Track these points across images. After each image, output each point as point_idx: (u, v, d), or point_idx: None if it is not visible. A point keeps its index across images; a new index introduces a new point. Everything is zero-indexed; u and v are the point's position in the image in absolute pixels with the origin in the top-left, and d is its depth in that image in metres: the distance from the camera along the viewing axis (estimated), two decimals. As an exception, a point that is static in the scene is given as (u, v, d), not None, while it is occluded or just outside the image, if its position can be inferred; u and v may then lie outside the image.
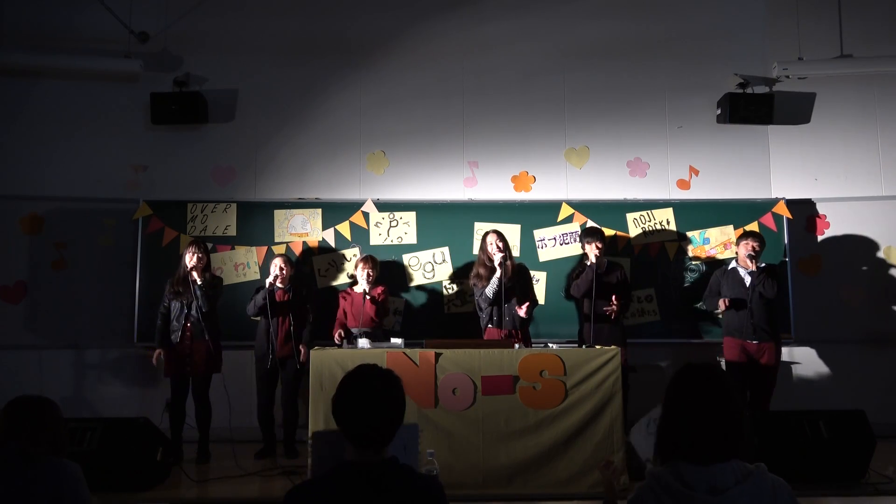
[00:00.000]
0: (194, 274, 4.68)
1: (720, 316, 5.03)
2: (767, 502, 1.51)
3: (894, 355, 5.53)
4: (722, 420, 1.56)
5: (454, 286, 5.44)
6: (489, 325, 4.78)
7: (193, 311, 4.70)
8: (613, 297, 4.76)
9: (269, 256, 5.30)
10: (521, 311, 4.63)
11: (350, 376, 1.76)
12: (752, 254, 4.77)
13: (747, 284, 4.79)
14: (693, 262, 5.50)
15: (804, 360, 5.55)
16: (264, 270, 5.24)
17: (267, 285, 4.77)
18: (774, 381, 4.79)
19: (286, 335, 4.84)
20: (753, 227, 5.51)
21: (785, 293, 5.43)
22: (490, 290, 4.69)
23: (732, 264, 4.96)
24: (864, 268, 5.61)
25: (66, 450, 2.15)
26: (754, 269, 4.74)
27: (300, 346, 4.83)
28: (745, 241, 4.87)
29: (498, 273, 4.63)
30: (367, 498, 1.62)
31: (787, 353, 5.54)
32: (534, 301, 4.86)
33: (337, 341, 4.78)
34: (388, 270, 5.43)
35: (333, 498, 1.63)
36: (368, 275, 4.88)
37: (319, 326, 4.99)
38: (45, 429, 2.07)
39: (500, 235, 4.81)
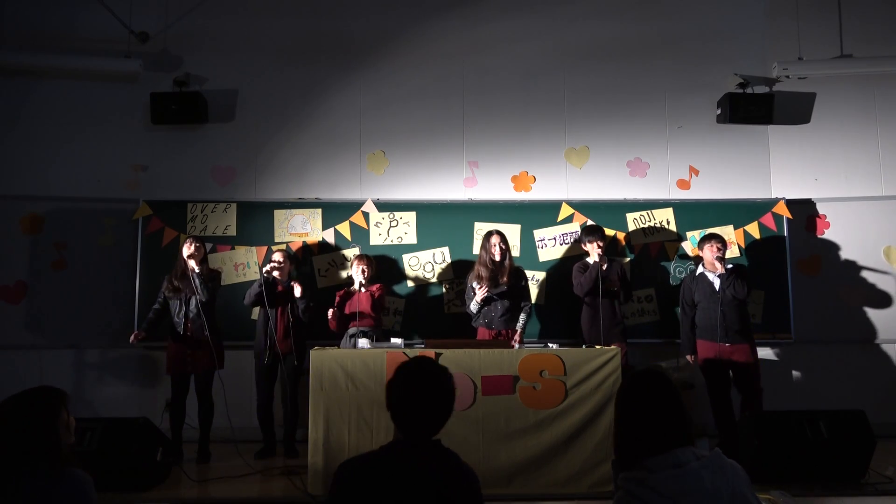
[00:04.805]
0: (192, 262, 4.69)
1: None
2: (727, 478, 1.66)
3: (894, 355, 5.54)
4: (673, 410, 1.74)
5: (454, 286, 5.44)
6: (480, 326, 4.83)
7: (192, 307, 4.71)
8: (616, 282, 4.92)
9: (269, 256, 5.29)
10: (515, 341, 4.69)
11: (410, 368, 1.88)
12: (720, 255, 4.75)
13: (717, 287, 4.76)
14: (692, 263, 5.49)
15: (804, 360, 5.55)
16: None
17: (263, 272, 4.77)
18: (759, 381, 4.74)
19: (285, 330, 4.84)
20: (753, 227, 5.52)
21: (785, 293, 5.44)
22: (474, 305, 4.78)
23: (700, 269, 4.91)
24: (864, 268, 5.61)
25: (66, 450, 2.00)
26: (723, 271, 4.72)
27: (294, 283, 4.82)
28: (708, 245, 4.81)
29: (483, 293, 4.68)
30: (413, 474, 1.72)
31: (786, 353, 5.55)
32: (528, 309, 4.93)
33: (330, 315, 4.80)
34: (388, 270, 5.44)
35: (382, 471, 1.73)
36: (363, 270, 4.88)
37: (318, 325, 4.99)
38: (38, 439, 1.95)
39: (503, 238, 4.83)
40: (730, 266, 4.78)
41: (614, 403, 1.85)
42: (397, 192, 5.68)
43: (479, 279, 4.77)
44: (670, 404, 1.75)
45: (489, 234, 4.85)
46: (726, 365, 4.70)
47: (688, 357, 4.91)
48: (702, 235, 5.08)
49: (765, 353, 5.32)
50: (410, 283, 5.48)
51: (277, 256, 4.91)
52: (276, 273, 4.82)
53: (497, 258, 4.76)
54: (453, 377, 1.89)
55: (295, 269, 5.28)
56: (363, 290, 4.83)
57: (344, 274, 5.43)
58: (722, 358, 4.68)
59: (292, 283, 4.83)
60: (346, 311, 4.92)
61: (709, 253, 4.80)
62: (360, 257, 5.00)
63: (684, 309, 4.93)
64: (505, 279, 4.76)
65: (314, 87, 5.79)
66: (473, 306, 4.80)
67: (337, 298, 4.98)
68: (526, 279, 4.99)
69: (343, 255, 5.50)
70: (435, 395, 1.83)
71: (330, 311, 4.84)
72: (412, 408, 1.81)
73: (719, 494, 1.63)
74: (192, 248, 4.74)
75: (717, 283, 4.76)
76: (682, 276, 5.36)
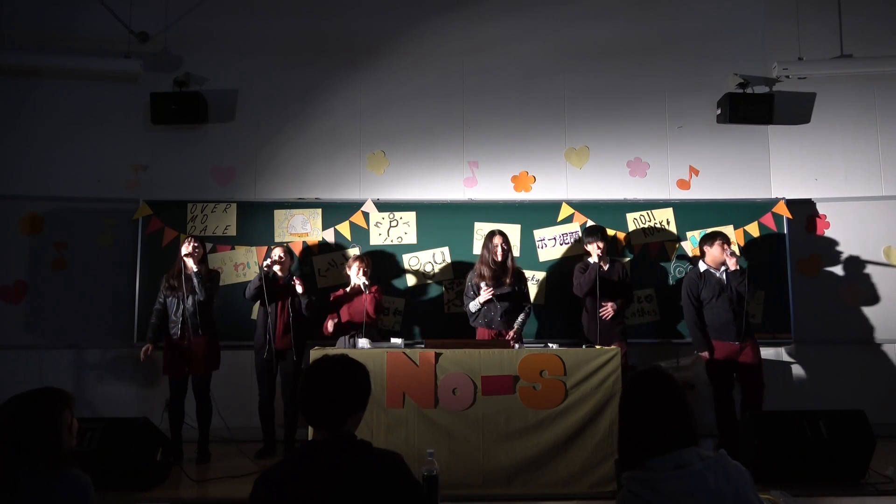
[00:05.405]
0: (189, 261, 4.69)
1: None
2: (731, 480, 1.66)
3: (894, 355, 5.54)
4: (677, 411, 1.74)
5: (454, 286, 5.44)
6: (480, 326, 4.82)
7: (190, 306, 4.71)
8: (609, 305, 4.86)
9: (270, 252, 5.29)
10: (510, 336, 4.69)
11: (311, 363, 1.91)
12: (733, 252, 4.75)
13: (724, 285, 4.77)
14: (691, 263, 5.48)
15: (804, 360, 5.55)
16: (264, 270, 5.25)
17: (263, 266, 4.76)
18: (762, 379, 4.75)
19: (284, 326, 4.83)
20: (753, 227, 5.52)
21: (785, 293, 5.44)
22: (473, 305, 4.77)
23: (703, 266, 4.89)
24: (864, 268, 5.61)
25: (67, 451, 2.02)
26: (737, 267, 4.71)
27: (295, 279, 4.79)
28: (718, 242, 4.80)
29: (487, 296, 4.67)
30: (326, 471, 1.71)
31: (786, 353, 5.55)
32: (528, 310, 4.91)
33: (329, 329, 4.80)
34: (388, 270, 5.44)
35: (295, 475, 1.72)
36: (364, 271, 4.89)
37: (317, 325, 4.98)
38: (40, 439, 1.97)
39: (506, 238, 4.83)
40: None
41: (619, 403, 1.85)
42: (397, 192, 5.68)
43: (482, 278, 4.77)
44: (674, 405, 1.75)
45: (491, 234, 4.84)
46: (733, 364, 4.72)
47: (703, 354, 4.79)
48: (703, 234, 5.07)
49: (765, 353, 5.30)
50: (410, 283, 5.48)
51: (278, 251, 4.91)
52: (276, 268, 4.82)
53: (499, 258, 4.76)
54: (360, 370, 1.89)
55: (297, 265, 5.29)
56: (367, 291, 4.83)
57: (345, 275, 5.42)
58: (731, 357, 4.70)
59: (293, 280, 4.81)
60: (345, 312, 4.92)
61: (718, 251, 4.78)
62: (359, 258, 5.00)
63: (692, 304, 4.84)
64: (508, 280, 4.76)
65: (314, 87, 5.79)
66: (473, 306, 4.79)
67: (333, 300, 4.98)
68: (526, 282, 4.98)
69: (343, 255, 5.49)
70: (333, 384, 1.82)
71: (330, 322, 4.83)
72: (311, 398, 1.82)
73: (723, 496, 1.62)
74: (190, 247, 4.73)
75: (724, 280, 4.77)
76: (682, 275, 5.36)
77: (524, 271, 5.06)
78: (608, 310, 4.87)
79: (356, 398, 1.85)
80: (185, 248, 4.73)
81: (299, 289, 4.78)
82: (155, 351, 4.86)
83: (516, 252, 5.44)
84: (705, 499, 1.61)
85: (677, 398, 1.76)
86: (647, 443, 1.71)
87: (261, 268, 4.81)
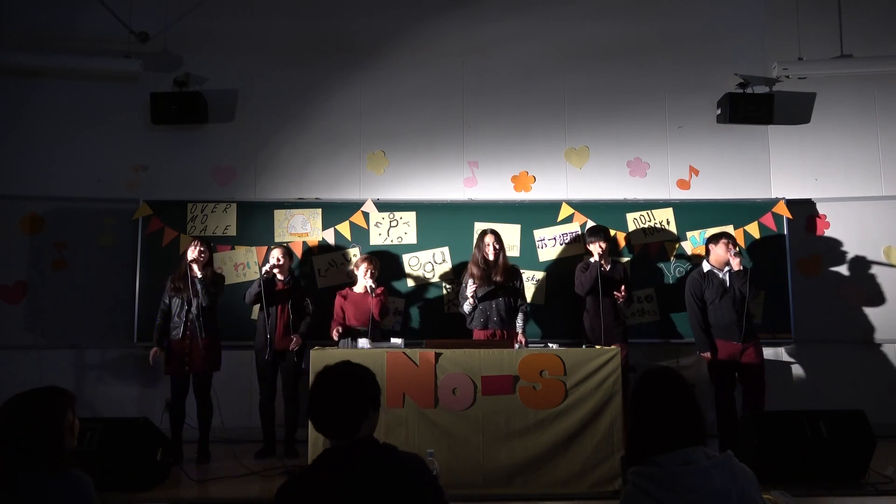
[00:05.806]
0: (194, 267, 4.69)
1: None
2: (737, 481, 1.67)
3: (894, 355, 5.54)
4: (685, 409, 1.76)
5: (454, 286, 5.44)
6: (475, 327, 4.82)
7: (193, 308, 4.71)
8: (622, 289, 4.84)
9: (269, 255, 5.29)
10: (520, 340, 4.68)
11: (315, 376, 1.87)
12: (737, 251, 4.74)
13: (728, 285, 4.76)
14: (691, 263, 5.48)
15: (804, 360, 5.55)
16: (264, 270, 5.24)
17: (263, 272, 4.76)
18: (764, 380, 4.75)
19: (285, 328, 4.84)
20: (753, 227, 5.52)
21: (785, 293, 5.44)
22: (467, 306, 4.77)
23: (707, 267, 4.88)
24: (865, 268, 5.61)
25: (68, 451, 2.00)
26: (740, 268, 4.70)
27: (293, 336, 4.82)
28: (723, 242, 4.79)
29: (472, 289, 4.67)
30: (352, 476, 1.67)
31: (787, 353, 5.55)
32: (525, 309, 4.90)
33: (335, 337, 4.77)
34: (389, 270, 5.44)
35: (320, 483, 1.69)
36: (372, 273, 4.88)
37: (318, 325, 4.98)
38: (41, 439, 1.95)
39: (498, 236, 4.83)
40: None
41: (628, 399, 1.86)
42: (397, 192, 5.68)
43: (473, 277, 4.77)
44: (683, 403, 1.76)
45: (483, 234, 4.87)
46: (735, 365, 4.72)
47: (706, 355, 4.79)
48: (711, 234, 5.02)
49: (765, 353, 5.28)
50: (410, 283, 5.48)
51: (277, 254, 4.91)
52: (275, 271, 4.82)
53: (490, 257, 4.77)
54: (370, 372, 1.87)
55: (297, 265, 5.29)
56: (374, 295, 4.81)
57: (345, 275, 5.42)
58: (733, 358, 4.70)
59: (293, 337, 4.82)
60: (350, 314, 4.89)
61: (723, 250, 4.78)
62: (367, 259, 4.98)
63: (696, 304, 4.82)
64: (499, 278, 4.75)
65: (314, 87, 5.79)
66: (467, 307, 4.79)
67: (337, 309, 4.95)
68: (521, 279, 4.97)
69: (343, 255, 5.49)
70: (340, 393, 1.80)
71: (334, 332, 4.80)
72: (321, 410, 1.80)
73: (728, 495, 1.64)
74: (196, 252, 4.73)
75: (727, 281, 4.77)
76: (681, 276, 5.36)
77: (522, 271, 5.07)
78: (623, 294, 4.84)
79: (366, 403, 1.83)
80: (192, 254, 4.73)
81: (295, 346, 4.80)
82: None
83: (516, 252, 5.45)
84: (710, 496, 1.62)
85: (687, 397, 1.77)
86: (655, 440, 1.72)
87: (261, 274, 4.80)
